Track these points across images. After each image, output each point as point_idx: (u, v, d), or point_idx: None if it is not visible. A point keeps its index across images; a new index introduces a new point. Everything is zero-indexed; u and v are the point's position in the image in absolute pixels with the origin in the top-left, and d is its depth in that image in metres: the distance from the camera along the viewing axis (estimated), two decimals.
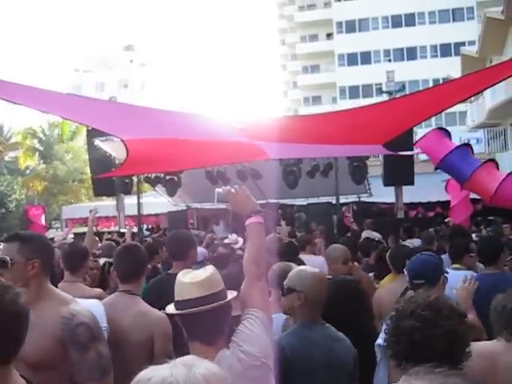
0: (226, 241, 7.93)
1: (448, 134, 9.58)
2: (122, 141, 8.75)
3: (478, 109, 27.53)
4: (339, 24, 55.01)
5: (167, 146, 8.22)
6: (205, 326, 2.19)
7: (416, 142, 10.54)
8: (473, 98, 25.92)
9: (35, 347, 2.29)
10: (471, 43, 40.39)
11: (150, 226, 19.26)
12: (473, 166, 8.70)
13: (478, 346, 2.40)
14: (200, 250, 6.15)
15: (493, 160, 9.59)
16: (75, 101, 7.68)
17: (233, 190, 2.62)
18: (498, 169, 9.11)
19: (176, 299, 2.24)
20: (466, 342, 2.04)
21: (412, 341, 1.99)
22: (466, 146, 9.64)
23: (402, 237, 8.97)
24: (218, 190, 2.75)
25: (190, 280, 2.20)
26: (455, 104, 7.05)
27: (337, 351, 2.92)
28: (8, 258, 2.59)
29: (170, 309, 2.28)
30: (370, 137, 7.71)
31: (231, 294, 2.29)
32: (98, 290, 4.23)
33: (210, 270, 2.26)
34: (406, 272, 3.70)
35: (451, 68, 32.46)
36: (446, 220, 10.49)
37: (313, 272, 3.09)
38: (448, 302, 2.16)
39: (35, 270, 2.63)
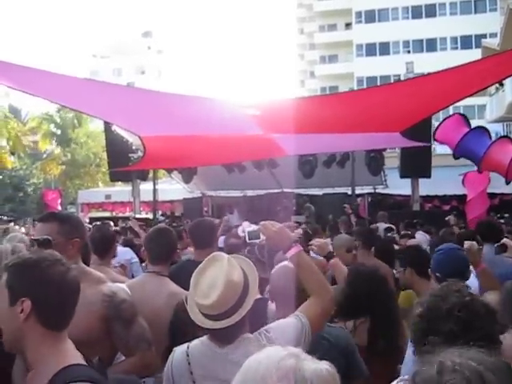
0: (239, 230, 7.94)
1: (467, 122, 9.45)
2: (140, 138, 8.77)
3: (497, 102, 27.16)
4: (358, 14, 54.46)
5: (184, 142, 8.18)
6: (223, 333, 2.21)
7: (435, 131, 10.42)
8: (493, 91, 25.57)
9: (79, 324, 2.28)
10: (493, 35, 39.71)
11: (165, 213, 19.33)
12: (486, 144, 8.60)
13: None
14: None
15: (506, 136, 9.46)
16: (92, 88, 7.66)
17: (263, 227, 2.58)
18: None
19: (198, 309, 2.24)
20: (498, 341, 1.94)
21: (450, 345, 1.89)
22: (481, 128, 9.52)
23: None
24: (247, 228, 2.71)
25: (201, 301, 2.18)
26: (479, 90, 6.90)
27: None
28: (50, 238, 2.65)
29: (193, 312, 2.27)
30: (387, 123, 7.59)
31: (252, 294, 2.26)
32: (123, 277, 4.27)
33: (221, 285, 2.17)
34: (433, 269, 3.57)
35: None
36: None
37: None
38: (481, 301, 2.03)
39: (74, 250, 2.70)
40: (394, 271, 4.05)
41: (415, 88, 7.34)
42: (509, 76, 7.33)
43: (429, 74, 6.70)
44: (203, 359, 2.25)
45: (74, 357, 1.83)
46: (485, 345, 1.76)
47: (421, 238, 7.87)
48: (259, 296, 3.13)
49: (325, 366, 1.31)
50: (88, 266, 3.11)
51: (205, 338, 2.31)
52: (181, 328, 2.86)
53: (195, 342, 2.33)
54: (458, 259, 3.53)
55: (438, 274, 3.48)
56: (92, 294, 2.62)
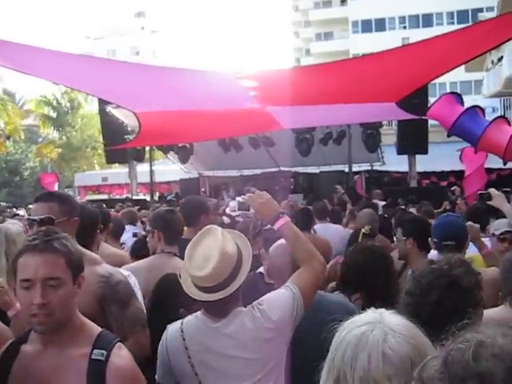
0: (227, 209, 8.00)
1: (460, 99, 9.39)
2: (135, 114, 8.71)
3: (494, 77, 27.00)
4: None
5: (179, 117, 8.14)
6: (217, 306, 2.21)
7: (427, 109, 10.37)
8: (490, 65, 25.41)
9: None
10: (489, 9, 39.26)
11: (162, 194, 19.30)
12: (483, 125, 8.55)
13: (489, 313, 2.35)
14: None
15: (503, 116, 9.42)
16: (86, 65, 7.59)
17: (250, 199, 2.61)
18: (509, 125, 8.92)
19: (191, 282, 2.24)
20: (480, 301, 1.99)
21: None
22: (475, 107, 9.47)
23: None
24: (238, 199, 2.76)
25: (196, 273, 2.18)
26: (475, 57, 6.81)
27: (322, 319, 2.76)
28: (53, 217, 2.65)
29: (187, 286, 2.27)
30: (383, 92, 7.52)
31: (245, 268, 2.25)
32: (123, 252, 4.30)
33: (215, 257, 2.17)
34: (432, 234, 3.59)
35: None
36: (452, 188, 10.34)
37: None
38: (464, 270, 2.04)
39: (73, 229, 2.70)
40: (394, 239, 4.03)
41: (411, 55, 7.25)
42: (505, 41, 7.21)
43: (423, 40, 6.59)
44: (198, 334, 2.25)
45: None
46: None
47: None
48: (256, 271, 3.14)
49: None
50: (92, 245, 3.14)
51: (199, 313, 2.31)
52: (162, 301, 2.91)
53: (189, 317, 2.33)
54: (452, 223, 3.62)
55: (435, 240, 3.55)
56: (88, 275, 2.59)
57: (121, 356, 1.92)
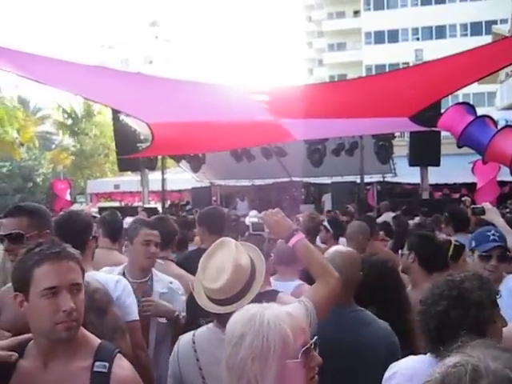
0: (246, 219, 7.94)
1: (472, 109, 9.32)
2: (148, 125, 8.76)
3: (508, 89, 26.89)
4: (367, 1, 53.91)
5: (192, 128, 8.17)
6: (228, 319, 2.20)
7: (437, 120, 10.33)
8: (503, 78, 25.30)
9: None
10: (503, 21, 39.20)
11: (173, 202, 19.37)
12: (490, 134, 8.48)
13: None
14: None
15: (510, 126, 9.33)
16: (100, 77, 7.67)
17: (265, 217, 2.62)
18: None
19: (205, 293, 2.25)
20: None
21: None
22: (484, 117, 9.39)
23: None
24: (251, 219, 2.75)
25: (210, 285, 2.19)
26: (487, 75, 6.81)
27: (366, 336, 2.74)
28: (22, 232, 2.60)
29: (200, 298, 2.28)
30: (396, 108, 7.55)
31: (259, 280, 2.26)
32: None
33: (229, 269, 2.17)
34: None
35: None
36: (462, 199, 10.27)
37: (340, 251, 2.95)
38: (476, 280, 2.07)
39: None
40: (399, 252, 4.03)
41: (424, 73, 7.28)
42: None
43: (437, 59, 6.64)
44: (209, 346, 2.25)
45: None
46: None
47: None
48: (269, 288, 3.15)
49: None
50: None
51: (211, 324, 2.31)
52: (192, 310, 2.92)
53: (201, 329, 2.34)
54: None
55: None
56: None
57: (123, 367, 1.92)
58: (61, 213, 3.58)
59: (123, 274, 3.44)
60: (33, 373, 1.87)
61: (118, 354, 1.96)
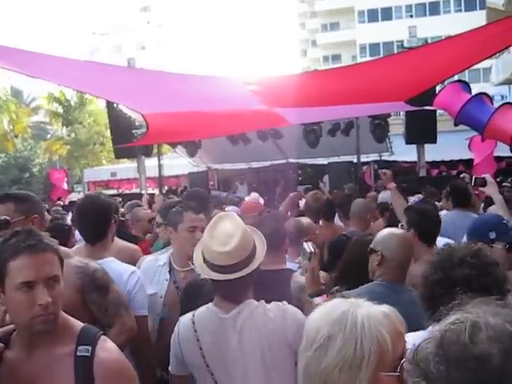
0: (247, 199, 8.00)
1: (467, 87, 9.28)
2: (142, 115, 8.73)
3: (503, 64, 26.76)
4: None
5: (186, 118, 8.15)
6: (232, 288, 2.23)
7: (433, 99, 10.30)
8: (498, 53, 25.14)
9: None
10: None
11: (170, 188, 19.36)
12: (489, 112, 8.46)
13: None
14: (233, 208, 6.62)
15: (509, 103, 9.29)
16: (92, 70, 7.63)
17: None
18: None
19: (207, 260, 2.26)
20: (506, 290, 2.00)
21: (469, 289, 1.85)
22: (481, 94, 9.36)
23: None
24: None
25: (219, 249, 2.20)
26: (484, 59, 6.78)
27: (416, 316, 2.74)
28: (8, 218, 2.62)
29: (201, 268, 2.29)
30: (391, 94, 7.54)
31: (259, 256, 2.29)
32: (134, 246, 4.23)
33: (238, 234, 2.22)
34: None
35: (476, 23, 31.45)
36: (461, 176, 10.27)
37: (394, 233, 2.95)
38: (486, 252, 2.13)
39: (35, 226, 2.64)
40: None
41: (419, 58, 7.24)
42: None
43: (432, 42, 6.59)
44: (209, 326, 2.27)
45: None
46: (497, 292, 1.80)
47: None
48: (285, 266, 3.21)
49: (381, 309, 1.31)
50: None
51: (210, 304, 2.32)
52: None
53: (201, 309, 2.34)
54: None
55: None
56: (64, 268, 2.59)
57: (106, 349, 1.90)
58: (80, 197, 3.56)
59: (169, 263, 3.38)
60: (18, 363, 1.86)
61: (102, 337, 1.93)
